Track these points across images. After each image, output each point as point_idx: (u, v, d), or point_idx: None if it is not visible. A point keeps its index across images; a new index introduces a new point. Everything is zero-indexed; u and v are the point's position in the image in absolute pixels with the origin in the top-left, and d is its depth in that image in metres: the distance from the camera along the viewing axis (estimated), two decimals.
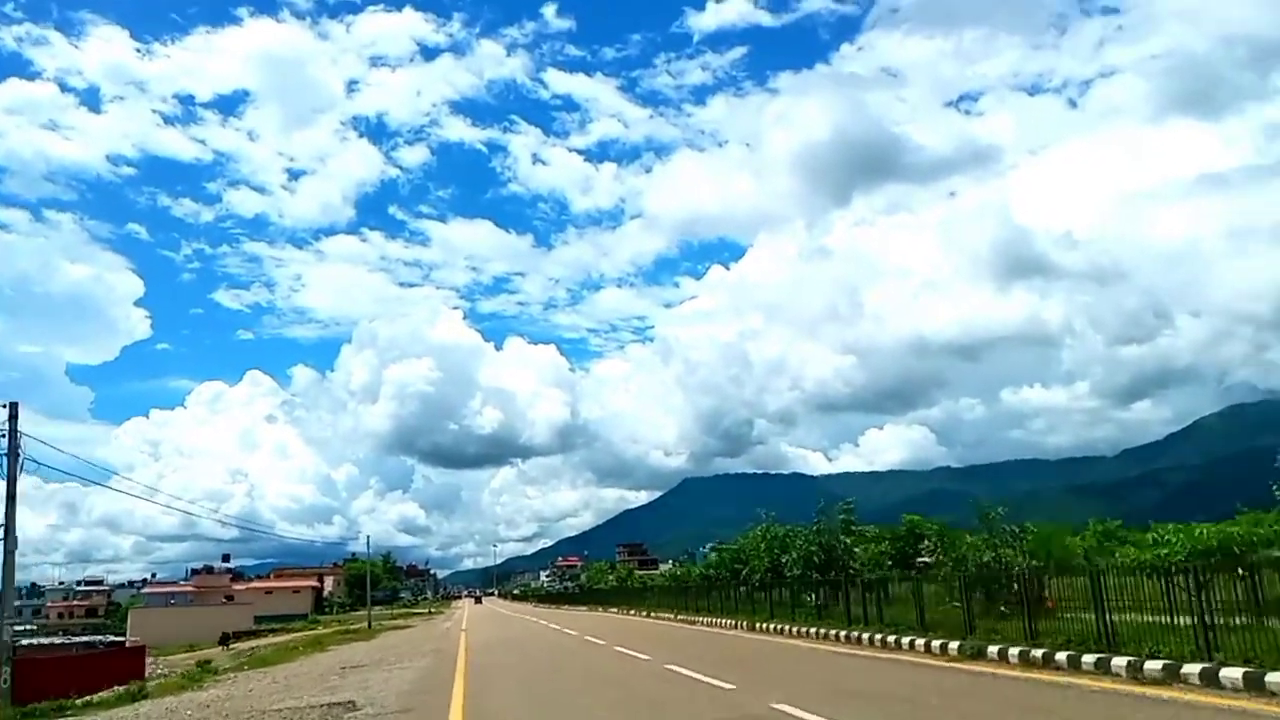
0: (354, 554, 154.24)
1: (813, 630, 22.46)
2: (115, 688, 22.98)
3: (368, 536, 69.84)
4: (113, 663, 38.96)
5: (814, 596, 25.58)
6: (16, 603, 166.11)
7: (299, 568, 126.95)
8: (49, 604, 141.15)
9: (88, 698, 22.23)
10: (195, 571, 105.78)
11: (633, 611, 48.99)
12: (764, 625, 25.85)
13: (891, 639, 18.29)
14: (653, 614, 43.79)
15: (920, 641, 17.24)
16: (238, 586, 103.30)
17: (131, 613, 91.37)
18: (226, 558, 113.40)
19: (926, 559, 23.53)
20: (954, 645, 16.09)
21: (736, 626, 28.38)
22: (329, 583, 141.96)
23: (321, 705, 15.76)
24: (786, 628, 24.19)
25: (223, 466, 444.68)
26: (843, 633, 20.71)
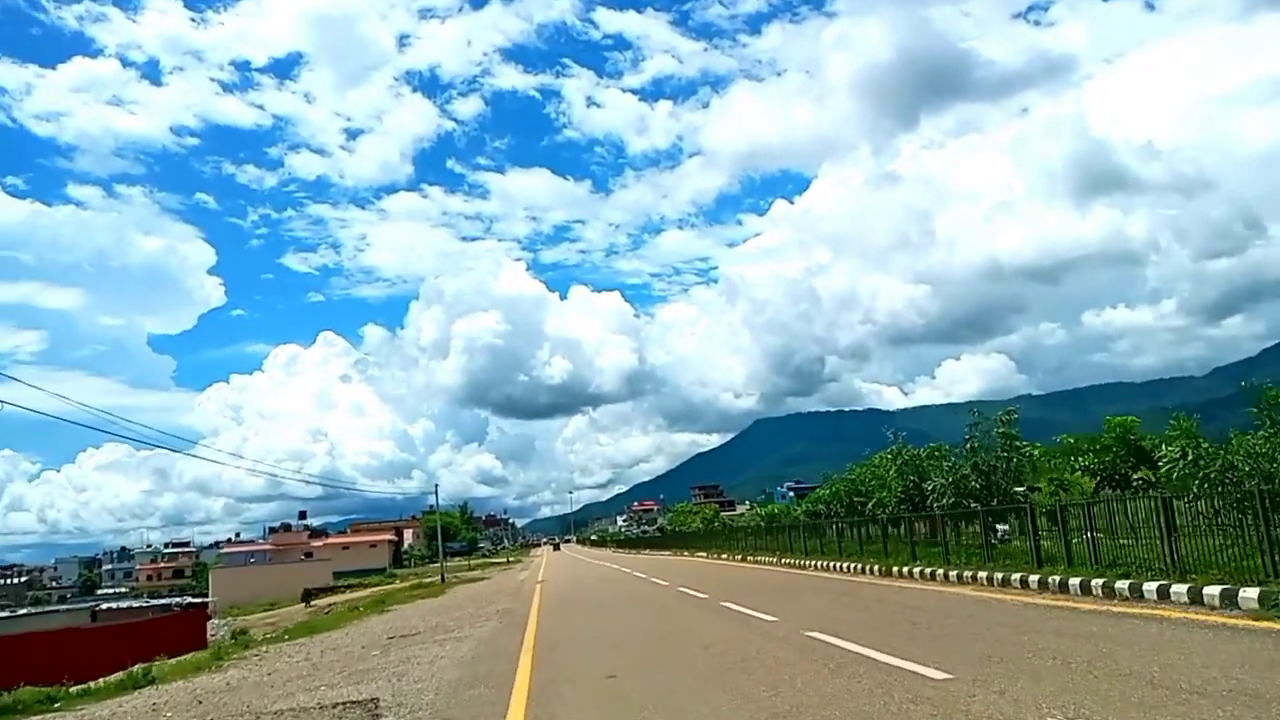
0: (432, 506, 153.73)
1: (981, 575, 17.23)
2: (132, 668, 18.99)
3: (436, 486, 65.99)
4: (169, 629, 35.70)
5: (953, 532, 20.36)
6: (107, 566, 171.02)
7: (378, 522, 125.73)
8: (138, 566, 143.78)
9: (87, 684, 18.29)
10: (274, 530, 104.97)
11: (724, 556, 44.29)
12: (905, 569, 20.69)
13: (1122, 586, 12.95)
14: (748, 558, 38.98)
15: (1180, 590, 11.87)
16: (315, 543, 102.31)
17: (212, 573, 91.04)
18: (303, 515, 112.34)
19: (1144, 476, 17.95)
20: (1248, 594, 10.72)
21: (864, 571, 23.26)
22: (408, 535, 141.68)
23: (336, 706, 11.23)
24: (939, 572, 19.00)
25: (302, 427, 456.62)
26: (1032, 578, 15.41)
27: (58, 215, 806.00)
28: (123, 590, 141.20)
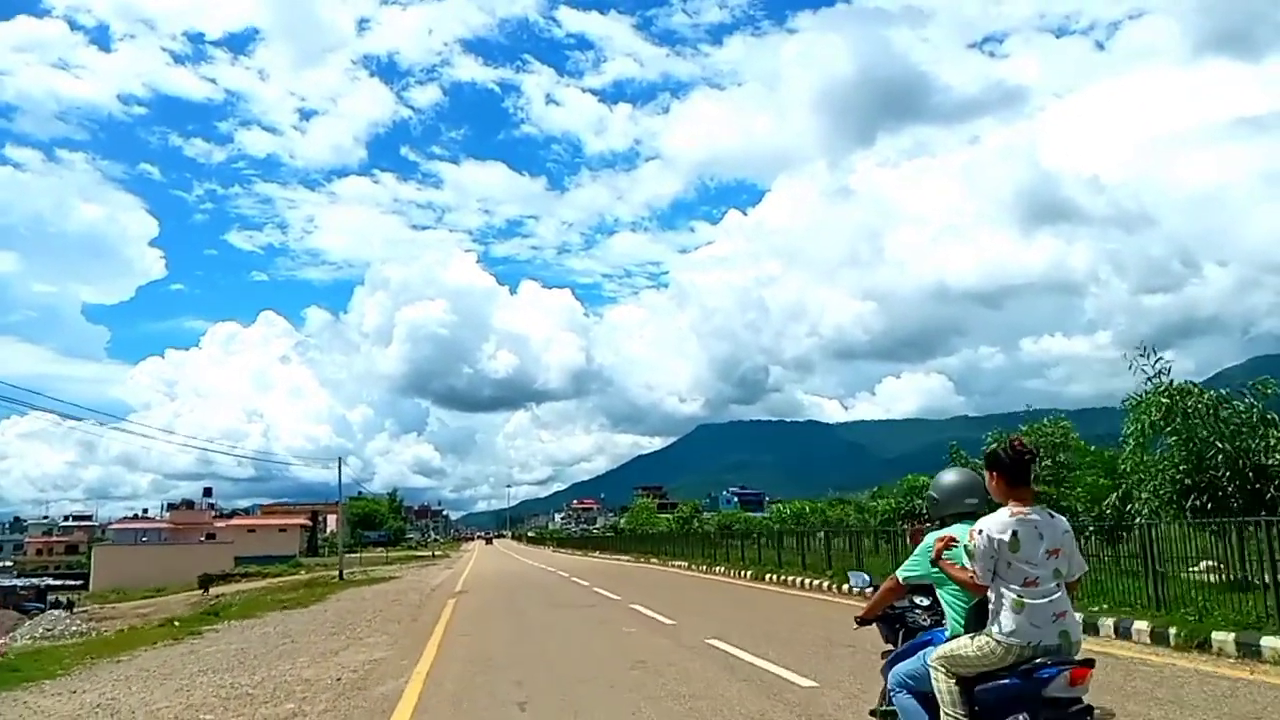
0: (360, 492, 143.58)
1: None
2: None
3: (340, 460, 55.29)
4: None
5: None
6: None
7: (297, 505, 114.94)
8: (28, 539, 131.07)
9: None
10: (173, 507, 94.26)
11: (720, 570, 30.87)
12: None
13: None
14: (767, 576, 25.48)
15: None
16: (220, 524, 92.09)
17: (96, 551, 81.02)
18: (208, 491, 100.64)
19: None
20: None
21: None
22: (331, 521, 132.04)
23: None
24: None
25: (238, 406, 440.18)
26: None
27: None
28: (6, 564, 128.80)
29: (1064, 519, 3.96)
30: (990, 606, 3.83)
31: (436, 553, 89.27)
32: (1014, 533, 3.73)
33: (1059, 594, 3.77)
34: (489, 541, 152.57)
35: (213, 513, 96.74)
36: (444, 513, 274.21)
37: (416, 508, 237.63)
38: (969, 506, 4.36)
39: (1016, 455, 3.83)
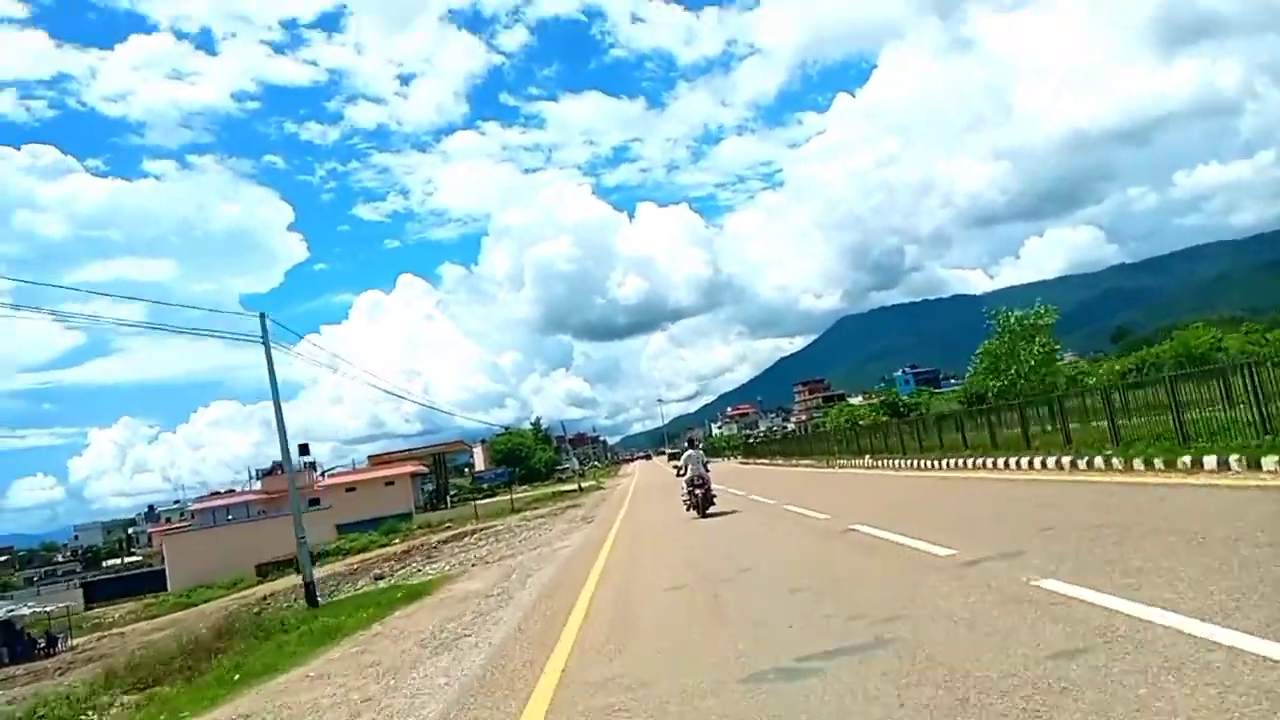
0: (506, 427, 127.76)
1: None
2: None
3: (262, 315, 31.41)
4: None
5: None
6: (131, 530, 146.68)
7: (413, 451, 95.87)
8: (150, 529, 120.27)
9: None
10: (266, 473, 77.73)
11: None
12: None
13: None
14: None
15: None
16: (326, 483, 74.92)
17: (166, 542, 64.58)
18: (304, 448, 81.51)
19: None
20: None
21: None
22: (479, 457, 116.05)
23: None
24: None
25: (396, 369, 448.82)
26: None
27: (139, 190, 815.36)
28: (135, 558, 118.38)
29: None
30: None
31: (585, 484, 69.03)
32: None
33: None
34: (648, 458, 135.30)
35: (316, 474, 79.71)
36: (600, 438, 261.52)
37: (573, 436, 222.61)
38: None
39: None
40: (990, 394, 36.87)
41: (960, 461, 22.44)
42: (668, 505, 23.54)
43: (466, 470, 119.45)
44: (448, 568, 23.82)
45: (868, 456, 33.73)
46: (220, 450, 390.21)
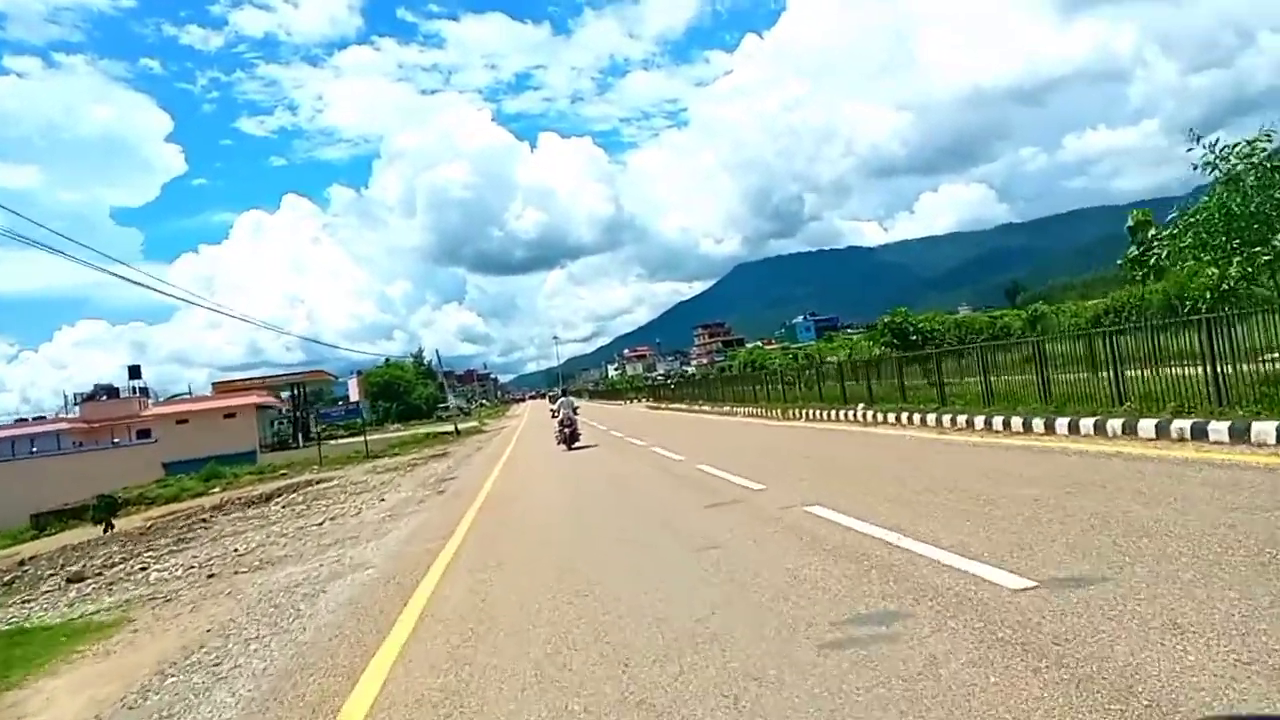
0: (388, 358, 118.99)
1: None
2: None
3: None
4: None
5: None
6: None
7: (264, 379, 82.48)
8: None
9: None
10: (88, 398, 66.59)
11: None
12: None
13: None
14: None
15: None
16: (150, 412, 65.11)
17: None
18: (135, 371, 68.45)
19: None
20: None
21: None
22: (353, 390, 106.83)
23: None
24: None
25: (278, 293, 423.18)
26: None
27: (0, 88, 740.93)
28: None
29: None
30: None
31: (463, 425, 61.79)
32: None
33: None
34: (541, 398, 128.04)
35: (147, 400, 69.32)
36: (491, 376, 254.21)
37: (462, 373, 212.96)
38: None
39: None
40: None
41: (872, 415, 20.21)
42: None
43: (341, 405, 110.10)
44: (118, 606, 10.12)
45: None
46: (85, 372, 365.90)
